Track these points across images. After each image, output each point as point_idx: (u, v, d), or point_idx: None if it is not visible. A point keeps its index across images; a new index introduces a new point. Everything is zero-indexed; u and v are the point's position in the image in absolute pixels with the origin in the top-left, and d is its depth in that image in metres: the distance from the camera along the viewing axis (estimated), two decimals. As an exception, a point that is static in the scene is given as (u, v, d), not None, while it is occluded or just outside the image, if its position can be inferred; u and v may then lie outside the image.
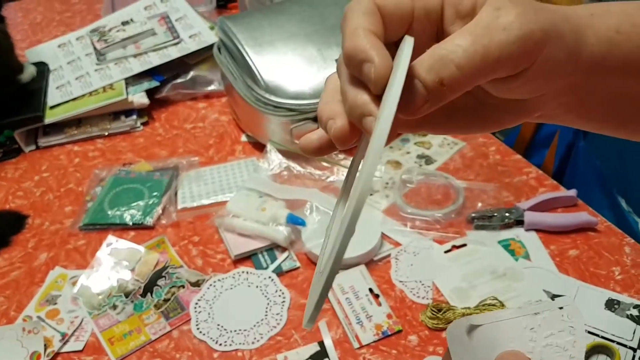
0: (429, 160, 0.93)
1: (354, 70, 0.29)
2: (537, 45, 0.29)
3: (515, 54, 0.28)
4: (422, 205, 0.84)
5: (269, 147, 0.91)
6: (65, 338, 0.69)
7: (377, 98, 0.28)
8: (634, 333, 0.66)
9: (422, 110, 0.29)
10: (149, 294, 0.74)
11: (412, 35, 0.30)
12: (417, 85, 0.28)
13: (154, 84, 1.06)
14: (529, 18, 0.28)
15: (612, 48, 0.32)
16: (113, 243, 0.81)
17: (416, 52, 0.29)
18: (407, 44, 0.28)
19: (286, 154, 0.91)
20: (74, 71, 1.10)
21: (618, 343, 0.65)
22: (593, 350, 0.64)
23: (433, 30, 0.32)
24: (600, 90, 0.34)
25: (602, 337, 0.66)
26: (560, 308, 0.32)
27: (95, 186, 0.91)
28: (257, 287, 0.75)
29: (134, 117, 1.03)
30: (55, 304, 0.73)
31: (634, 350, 0.65)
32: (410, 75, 0.28)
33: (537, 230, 0.79)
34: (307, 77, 0.89)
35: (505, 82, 0.30)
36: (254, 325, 0.70)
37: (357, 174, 0.27)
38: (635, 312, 0.68)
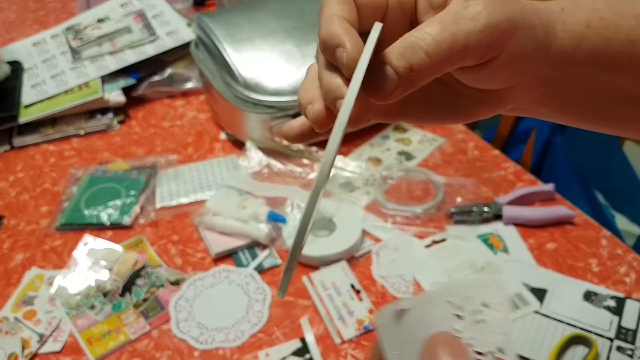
0: (409, 156, 0.94)
1: (329, 56, 0.30)
2: (504, 34, 0.29)
3: (482, 42, 0.29)
4: (403, 201, 0.84)
5: (248, 144, 0.91)
6: (43, 339, 0.68)
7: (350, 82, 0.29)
8: (610, 323, 0.67)
9: (394, 95, 0.30)
10: (127, 293, 0.73)
11: (387, 25, 0.31)
12: (389, 71, 0.29)
13: (131, 81, 1.04)
14: (496, 8, 0.29)
15: (581, 42, 0.33)
16: (90, 243, 0.80)
17: (391, 42, 0.30)
18: (375, 28, 0.29)
19: (266, 151, 0.90)
20: (49, 70, 1.08)
21: (596, 334, 0.66)
22: (571, 341, 0.65)
23: (407, 21, 0.32)
24: (571, 83, 0.35)
25: (580, 328, 0.67)
26: (486, 284, 0.32)
27: (71, 186, 0.89)
28: (237, 285, 0.74)
29: (110, 115, 1.02)
30: (32, 304, 0.72)
31: (611, 340, 0.66)
32: (383, 62, 0.29)
33: (516, 224, 0.80)
34: (286, 74, 0.89)
35: (474, 70, 0.31)
36: (235, 323, 0.70)
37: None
38: (612, 303, 0.69)
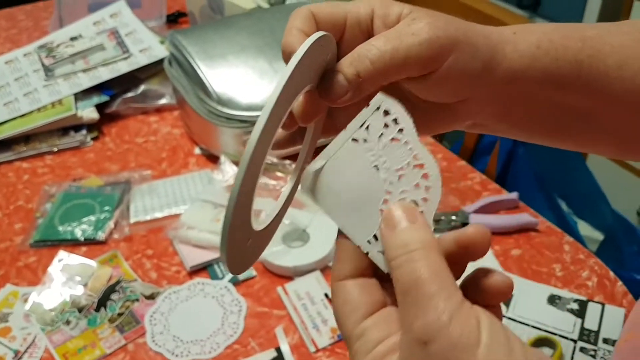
0: (379, 168, 0.96)
1: (286, 62, 0.34)
2: (443, 49, 0.33)
3: (422, 55, 0.33)
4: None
5: (222, 158, 0.92)
6: (18, 355, 0.68)
7: None
8: (574, 326, 0.70)
9: (345, 99, 0.33)
10: (102, 308, 0.74)
11: (346, 41, 0.35)
12: (339, 77, 0.33)
13: (104, 98, 1.05)
14: (438, 26, 0.33)
15: (532, 62, 0.36)
16: (64, 259, 0.80)
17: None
18: (312, 36, 0.32)
19: (240, 165, 0.92)
20: (22, 87, 1.08)
21: (560, 335, 0.69)
22: (536, 343, 0.68)
23: (364, 38, 0.35)
24: (525, 100, 0.38)
25: (545, 331, 0.69)
26: (378, 109, 0.32)
27: (45, 202, 0.90)
28: (213, 297, 0.75)
29: (84, 132, 1.03)
30: (7, 321, 0.72)
31: (575, 341, 0.69)
32: (337, 70, 0.34)
33: (483, 232, 0.82)
34: (259, 89, 0.91)
35: (419, 81, 0.34)
36: (211, 335, 0.71)
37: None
38: (575, 306, 0.72)
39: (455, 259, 0.30)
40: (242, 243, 0.32)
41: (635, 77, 0.37)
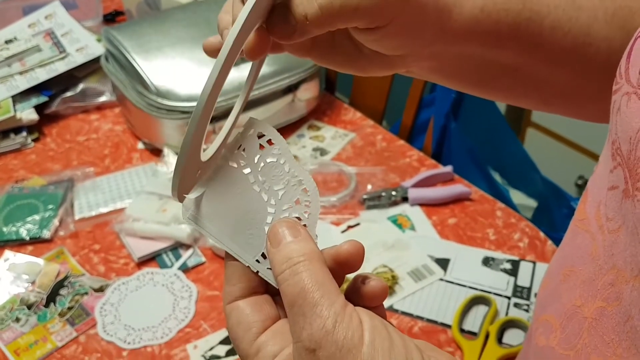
0: (323, 151, 0.99)
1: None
2: (392, 7, 0.34)
3: (371, 10, 0.33)
4: (319, 193, 0.89)
5: (166, 151, 0.93)
6: (-35, 355, 0.68)
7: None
8: (507, 284, 0.74)
9: (293, 38, 0.33)
10: (52, 303, 0.74)
11: None
12: (288, 16, 0.33)
13: (43, 99, 1.04)
14: None
15: (474, 24, 0.37)
16: (10, 258, 0.80)
17: None
18: None
19: (183, 156, 0.93)
20: (-44, 93, 1.06)
21: (495, 294, 0.73)
22: (473, 302, 0.72)
23: None
24: (460, 58, 0.40)
25: (481, 290, 0.74)
26: (251, 132, 0.32)
27: (-12, 205, 0.89)
28: (162, 285, 0.77)
29: (24, 134, 1.02)
30: (-48, 323, 0.72)
31: (509, 298, 0.73)
32: (287, 7, 0.33)
33: (421, 205, 0.86)
34: (198, 79, 0.92)
35: (365, 32, 0.35)
36: (162, 321, 0.72)
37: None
38: (508, 266, 0.77)
39: (333, 273, 0.31)
40: (192, 173, 0.32)
41: (564, 37, 0.39)
